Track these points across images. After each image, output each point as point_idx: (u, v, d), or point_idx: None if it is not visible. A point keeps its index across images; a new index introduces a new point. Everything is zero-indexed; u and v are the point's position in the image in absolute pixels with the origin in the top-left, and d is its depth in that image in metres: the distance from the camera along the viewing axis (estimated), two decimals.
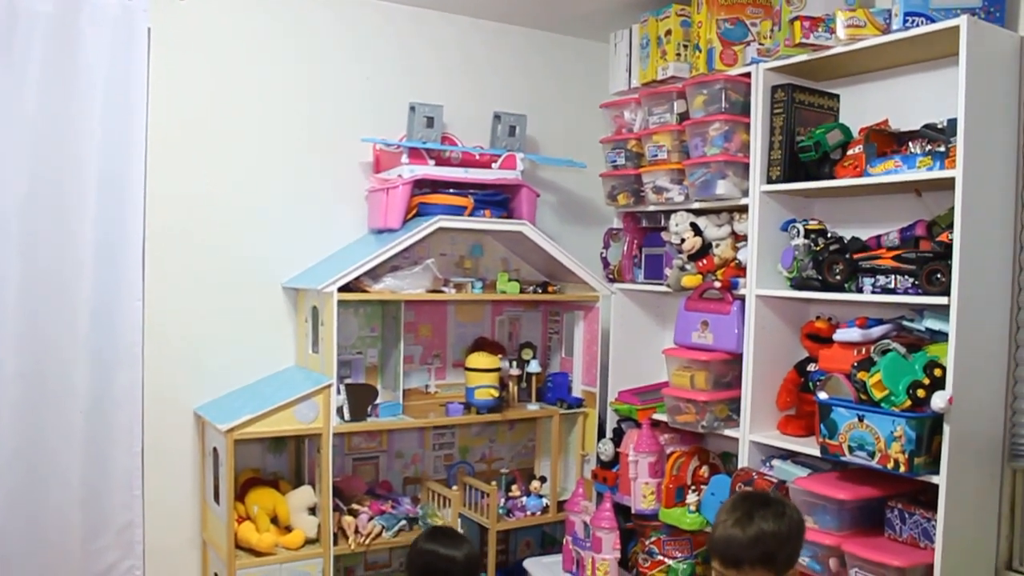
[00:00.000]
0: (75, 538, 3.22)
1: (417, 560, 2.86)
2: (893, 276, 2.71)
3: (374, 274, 3.32)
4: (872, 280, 2.78)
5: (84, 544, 3.24)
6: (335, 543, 3.26)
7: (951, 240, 2.52)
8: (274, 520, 3.27)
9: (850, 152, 2.91)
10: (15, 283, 3.06)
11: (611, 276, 3.86)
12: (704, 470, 3.41)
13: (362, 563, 3.68)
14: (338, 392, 3.24)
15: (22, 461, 3.12)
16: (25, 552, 3.15)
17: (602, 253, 3.89)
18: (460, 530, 3.32)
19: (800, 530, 2.18)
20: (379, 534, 3.35)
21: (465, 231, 3.67)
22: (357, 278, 3.24)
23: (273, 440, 3.53)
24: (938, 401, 2.47)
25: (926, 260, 2.61)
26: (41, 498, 3.16)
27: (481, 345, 3.76)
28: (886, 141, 2.85)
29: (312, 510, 3.29)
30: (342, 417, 3.27)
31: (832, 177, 2.93)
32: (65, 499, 3.19)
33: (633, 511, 3.45)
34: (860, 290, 2.82)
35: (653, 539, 3.49)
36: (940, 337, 2.65)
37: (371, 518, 3.36)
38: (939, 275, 2.56)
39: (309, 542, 3.26)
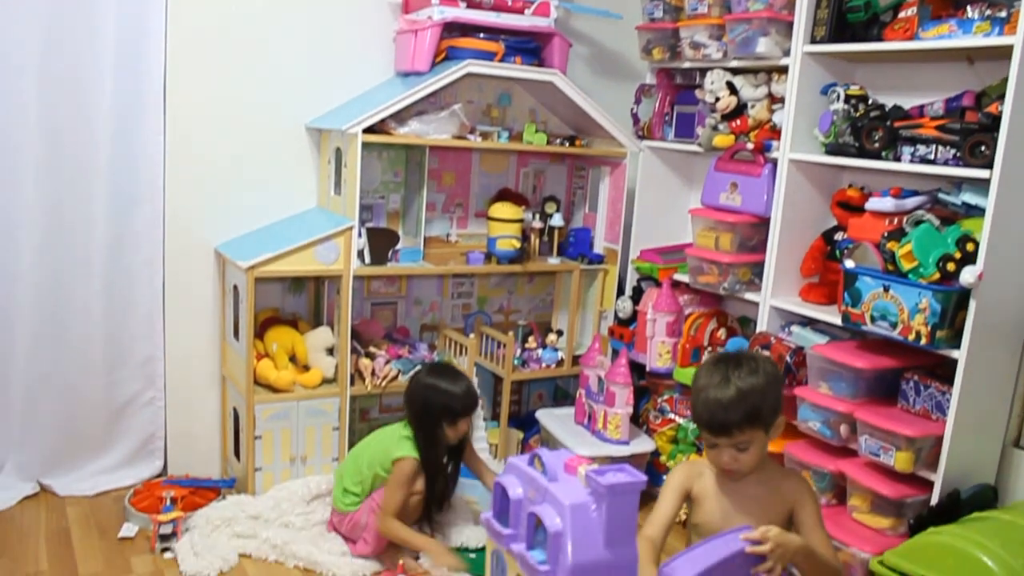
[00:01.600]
0: (98, 369, 3.30)
1: (417, 394, 2.95)
2: (934, 146, 2.62)
3: (400, 118, 3.25)
4: (911, 149, 2.69)
5: (107, 374, 3.32)
6: (352, 384, 3.32)
7: (1000, 112, 2.43)
8: (292, 359, 3.32)
9: (902, 14, 2.76)
10: (34, 115, 3.02)
11: (640, 133, 3.77)
12: (722, 332, 3.42)
13: (377, 405, 3.76)
14: (359, 235, 3.22)
15: (45, 293, 3.16)
16: (50, 382, 3.24)
17: (633, 109, 3.79)
18: (475, 379, 3.38)
19: (777, 380, 2.19)
20: (395, 377, 3.40)
21: (494, 78, 3.57)
22: (382, 121, 3.17)
23: (293, 280, 3.54)
24: (967, 276, 2.43)
25: (971, 131, 2.51)
26: (64, 329, 3.22)
27: (504, 196, 3.71)
28: (942, 3, 2.70)
29: (330, 351, 3.34)
30: (362, 260, 3.26)
31: (880, 40, 2.80)
32: (88, 330, 3.25)
33: (648, 369, 3.49)
34: (898, 159, 2.74)
35: (666, 397, 3.54)
36: (976, 212, 2.60)
37: (388, 361, 3.41)
38: (983, 147, 2.47)
39: (326, 382, 3.32)
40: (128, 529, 3.04)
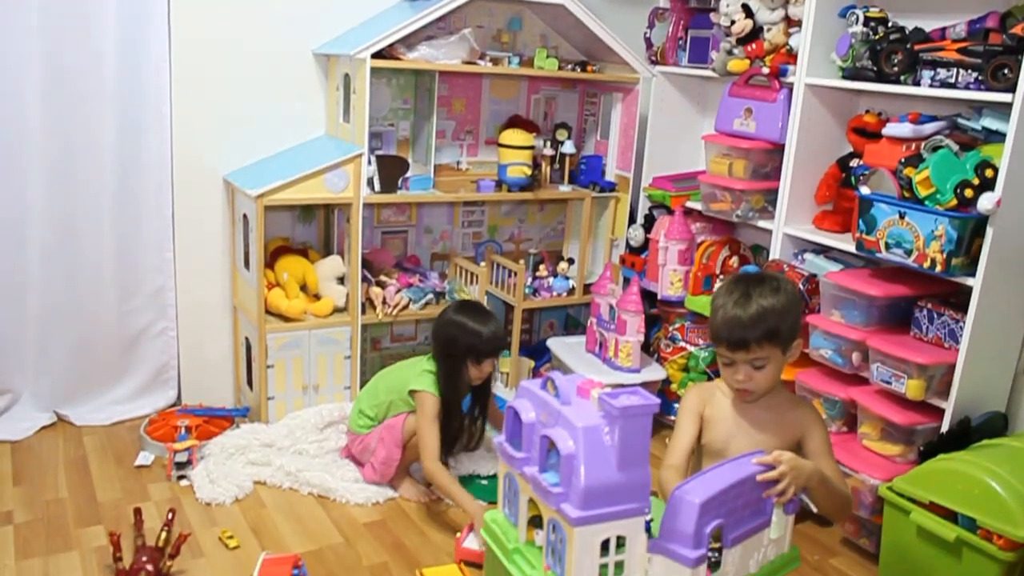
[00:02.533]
0: (109, 299, 3.31)
1: (444, 330, 2.92)
2: (955, 70, 2.57)
3: (409, 43, 3.18)
4: (931, 73, 2.64)
5: (119, 305, 3.33)
6: (363, 313, 3.32)
7: None
8: (303, 288, 3.32)
9: None
10: (38, 46, 2.98)
11: (653, 58, 3.71)
12: (734, 260, 3.40)
13: (388, 334, 3.77)
14: (369, 163, 3.19)
15: (54, 221, 3.15)
16: (63, 313, 3.25)
17: (646, 33, 3.72)
18: (487, 306, 3.37)
19: (797, 301, 2.18)
20: (406, 306, 3.40)
21: (504, 2, 3.50)
22: (391, 46, 3.11)
23: (303, 209, 3.52)
24: (985, 202, 2.40)
25: (994, 54, 2.45)
26: (75, 261, 3.22)
27: (515, 123, 3.67)
28: None
29: (341, 280, 3.33)
30: (372, 188, 3.24)
31: None
32: (98, 262, 3.25)
33: (659, 297, 3.48)
34: (917, 83, 2.69)
35: (677, 325, 3.53)
36: (996, 137, 2.55)
37: (399, 290, 3.41)
38: (1006, 70, 2.42)
39: (337, 311, 3.32)
40: (144, 458, 3.07)
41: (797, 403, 2.30)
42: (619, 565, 1.61)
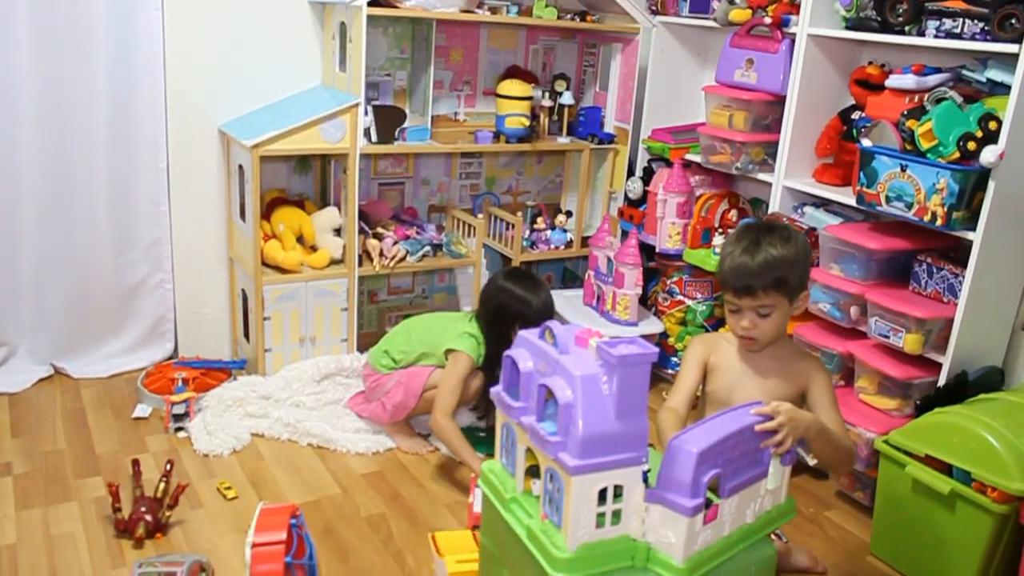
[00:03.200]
0: (105, 252, 3.29)
1: (494, 296, 2.88)
2: (961, 20, 2.53)
3: None
4: (937, 23, 2.60)
5: (115, 258, 3.31)
6: (359, 265, 3.31)
7: None
8: (299, 240, 3.30)
9: None
10: None
11: (654, 8, 3.66)
12: (733, 214, 3.38)
13: (386, 287, 3.75)
14: (365, 113, 3.16)
15: (47, 175, 3.12)
16: (57, 266, 3.23)
17: None
18: (483, 260, 3.36)
19: (807, 253, 2.17)
20: (403, 258, 3.38)
21: None
22: None
23: (299, 160, 3.49)
24: (988, 155, 2.38)
25: (1001, 3, 2.42)
26: (70, 213, 3.19)
27: (513, 73, 3.62)
28: None
29: (337, 231, 3.32)
30: (369, 139, 3.20)
31: None
32: (93, 214, 3.23)
33: (657, 250, 3.47)
34: (922, 34, 2.66)
35: (675, 279, 3.52)
36: (1000, 90, 2.53)
37: (395, 242, 3.39)
38: (1013, 20, 2.38)
39: (334, 262, 3.31)
40: (142, 410, 3.08)
41: (802, 355, 2.30)
42: (616, 514, 1.61)
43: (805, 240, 2.18)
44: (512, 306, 2.84)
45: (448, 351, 2.86)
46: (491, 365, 2.87)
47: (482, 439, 3.02)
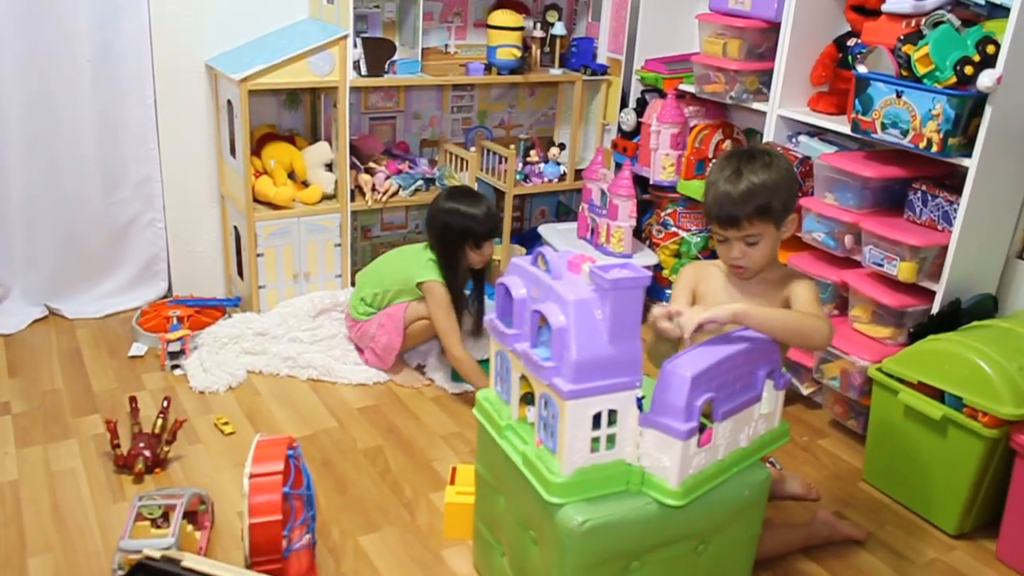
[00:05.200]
0: (95, 191, 3.26)
1: (438, 218, 2.89)
2: None
3: None
4: None
5: (105, 197, 3.28)
6: (352, 200, 3.29)
7: None
8: (291, 175, 3.27)
9: None
10: None
11: None
12: (727, 144, 3.36)
13: (378, 223, 3.74)
14: (354, 45, 3.11)
15: (33, 113, 3.08)
16: (47, 207, 3.21)
17: None
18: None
19: (791, 177, 2.12)
20: (396, 192, 3.36)
21: None
22: None
23: (288, 95, 3.45)
24: (986, 79, 2.35)
25: None
26: (57, 150, 3.16)
27: (504, 4, 3.55)
28: None
29: (329, 166, 3.29)
30: (358, 71, 3.16)
31: None
32: (80, 152, 3.19)
33: (651, 182, 3.44)
34: None
35: (669, 211, 3.51)
36: (999, 12, 2.48)
37: (388, 177, 3.36)
38: None
39: (326, 198, 3.29)
40: (137, 348, 3.08)
41: (789, 275, 2.26)
42: (611, 439, 1.63)
43: (788, 164, 2.14)
44: (458, 223, 2.86)
45: (419, 284, 2.88)
46: (450, 287, 2.89)
47: None
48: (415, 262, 2.93)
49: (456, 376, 3.01)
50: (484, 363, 3.08)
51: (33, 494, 2.31)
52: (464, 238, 2.87)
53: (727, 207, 2.05)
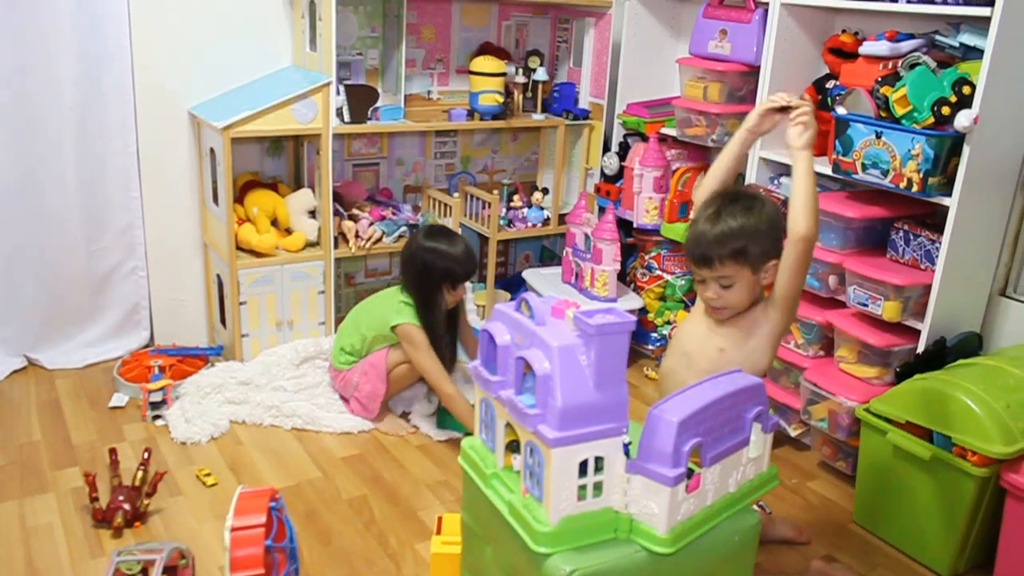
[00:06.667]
0: (77, 240, 3.24)
1: (417, 257, 2.88)
2: None
3: None
4: None
5: (87, 245, 3.26)
6: (335, 247, 3.27)
7: None
8: (274, 223, 3.26)
9: None
10: None
11: None
12: None
13: (362, 269, 3.72)
14: (337, 92, 3.12)
15: (14, 161, 3.07)
16: (29, 255, 3.19)
17: None
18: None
19: (773, 224, 2.11)
20: (379, 239, 3.36)
21: None
22: None
23: (272, 142, 3.45)
24: (963, 120, 2.37)
25: None
26: (38, 200, 3.14)
27: (486, 50, 3.59)
28: None
29: (312, 213, 3.28)
30: (341, 118, 3.17)
31: None
32: (63, 200, 3.18)
33: (635, 225, 3.45)
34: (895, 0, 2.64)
35: (653, 254, 3.51)
36: (974, 54, 2.52)
37: (371, 223, 3.36)
38: None
39: (309, 245, 3.28)
40: (118, 399, 3.04)
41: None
42: (598, 486, 1.60)
43: (774, 211, 2.14)
44: (437, 264, 2.85)
45: (393, 328, 2.87)
46: (427, 327, 2.88)
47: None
48: (388, 306, 2.92)
49: (442, 423, 2.99)
50: None
51: (7, 551, 2.26)
52: (444, 279, 2.86)
53: (702, 246, 2.07)
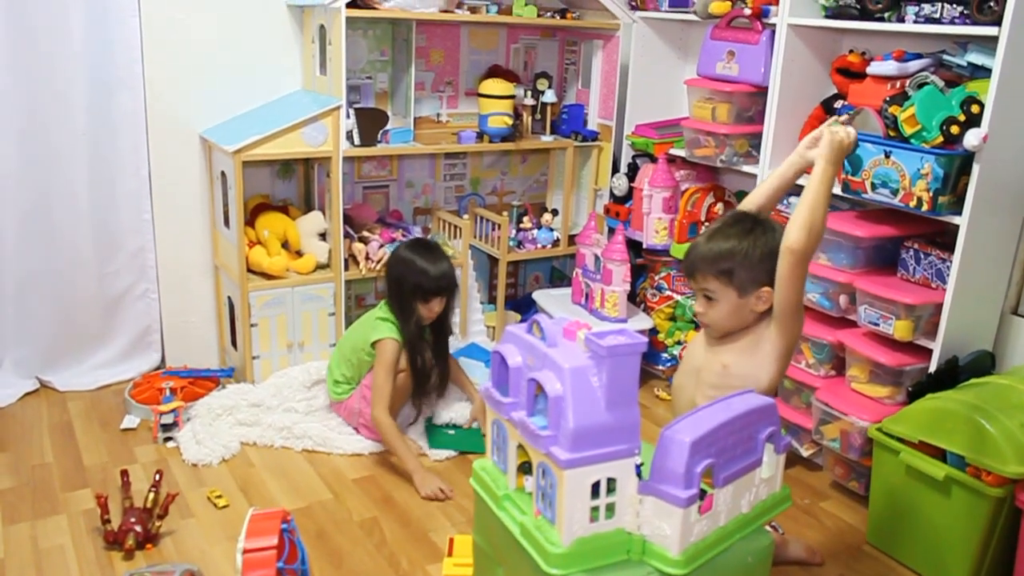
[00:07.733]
0: (89, 263, 3.26)
1: (393, 268, 2.91)
2: (940, 4, 2.53)
3: None
4: (916, 9, 2.61)
5: (98, 268, 3.28)
6: (346, 269, 3.29)
7: None
8: (285, 245, 3.27)
9: None
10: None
11: (634, 3, 3.65)
12: (719, 207, 3.38)
13: (373, 291, 3.73)
14: (347, 116, 3.14)
15: (27, 186, 3.10)
16: (42, 278, 3.21)
17: None
18: (471, 261, 3.34)
19: (768, 254, 2.07)
20: None
21: None
22: None
23: (282, 165, 3.47)
24: (972, 138, 2.38)
25: None
26: (51, 224, 3.17)
27: (495, 73, 3.61)
28: None
29: (323, 236, 3.29)
30: (351, 142, 3.18)
31: None
32: (75, 224, 3.20)
33: (644, 246, 3.46)
34: (901, 20, 2.66)
35: (663, 274, 3.51)
36: (982, 73, 2.53)
37: (381, 246, 3.36)
38: (992, 3, 2.38)
39: (320, 267, 3.29)
40: (130, 421, 3.05)
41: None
42: (610, 507, 1.59)
43: (773, 239, 2.11)
44: (409, 276, 2.87)
45: (373, 344, 2.88)
46: (405, 338, 2.89)
47: (451, 437, 3.02)
48: (366, 326, 2.95)
49: (433, 442, 2.99)
50: (446, 426, 3.11)
51: (20, 573, 2.26)
52: (414, 292, 2.88)
53: (690, 258, 2.14)
